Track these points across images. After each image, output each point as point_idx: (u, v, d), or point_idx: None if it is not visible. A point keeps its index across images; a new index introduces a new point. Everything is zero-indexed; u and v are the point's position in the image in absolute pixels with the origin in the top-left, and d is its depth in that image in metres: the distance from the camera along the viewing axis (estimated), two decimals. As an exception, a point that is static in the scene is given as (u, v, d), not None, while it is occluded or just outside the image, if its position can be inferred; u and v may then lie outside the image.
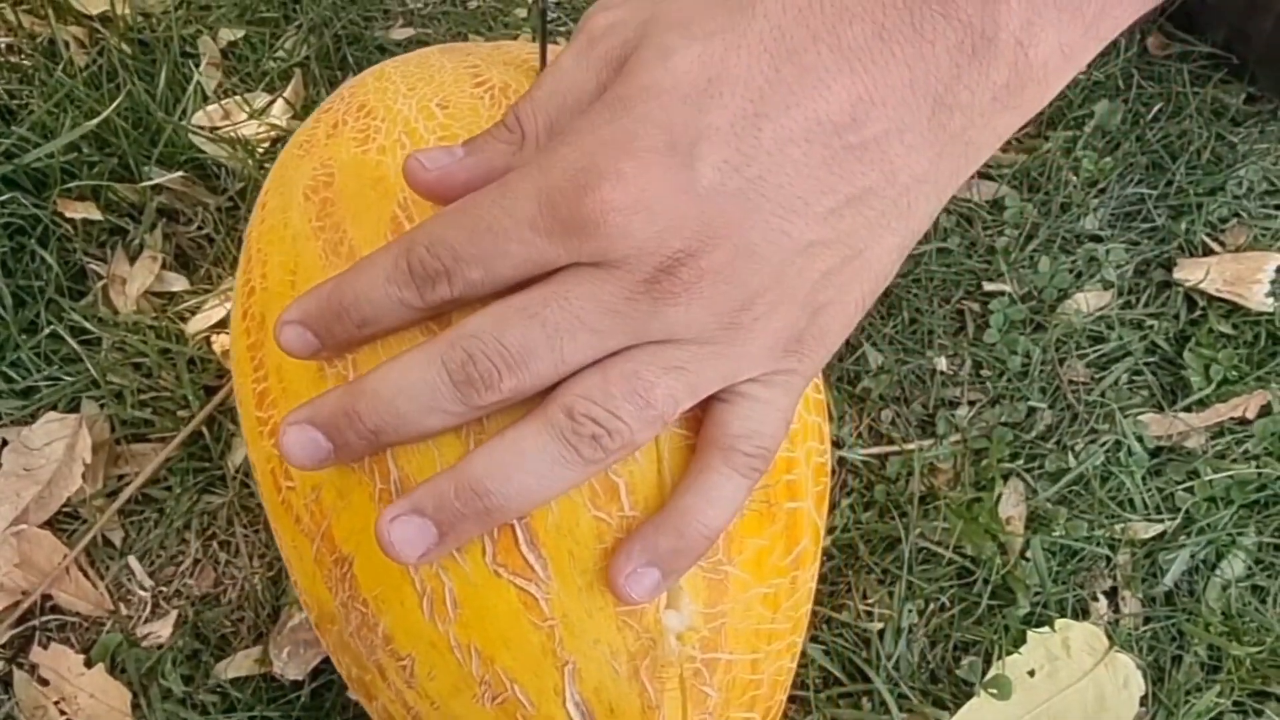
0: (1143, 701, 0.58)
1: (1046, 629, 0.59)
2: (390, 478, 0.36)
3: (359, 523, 0.37)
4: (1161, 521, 0.63)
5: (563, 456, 0.33)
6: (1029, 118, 0.33)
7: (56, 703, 0.55)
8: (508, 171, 0.34)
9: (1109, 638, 0.59)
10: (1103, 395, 0.67)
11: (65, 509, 0.60)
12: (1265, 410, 0.67)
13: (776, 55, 0.31)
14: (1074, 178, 0.74)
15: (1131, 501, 0.64)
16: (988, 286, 0.70)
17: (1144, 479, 0.64)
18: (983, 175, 0.74)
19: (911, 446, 0.64)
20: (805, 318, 0.34)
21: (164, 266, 0.67)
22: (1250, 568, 0.63)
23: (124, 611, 0.58)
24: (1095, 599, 0.61)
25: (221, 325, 0.65)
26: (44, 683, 0.55)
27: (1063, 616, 0.60)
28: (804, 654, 0.57)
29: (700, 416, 0.36)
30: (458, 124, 0.40)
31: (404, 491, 0.36)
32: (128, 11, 0.74)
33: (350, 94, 0.44)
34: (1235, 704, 0.59)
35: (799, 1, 0.31)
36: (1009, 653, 0.58)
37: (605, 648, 0.36)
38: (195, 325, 0.65)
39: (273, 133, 0.71)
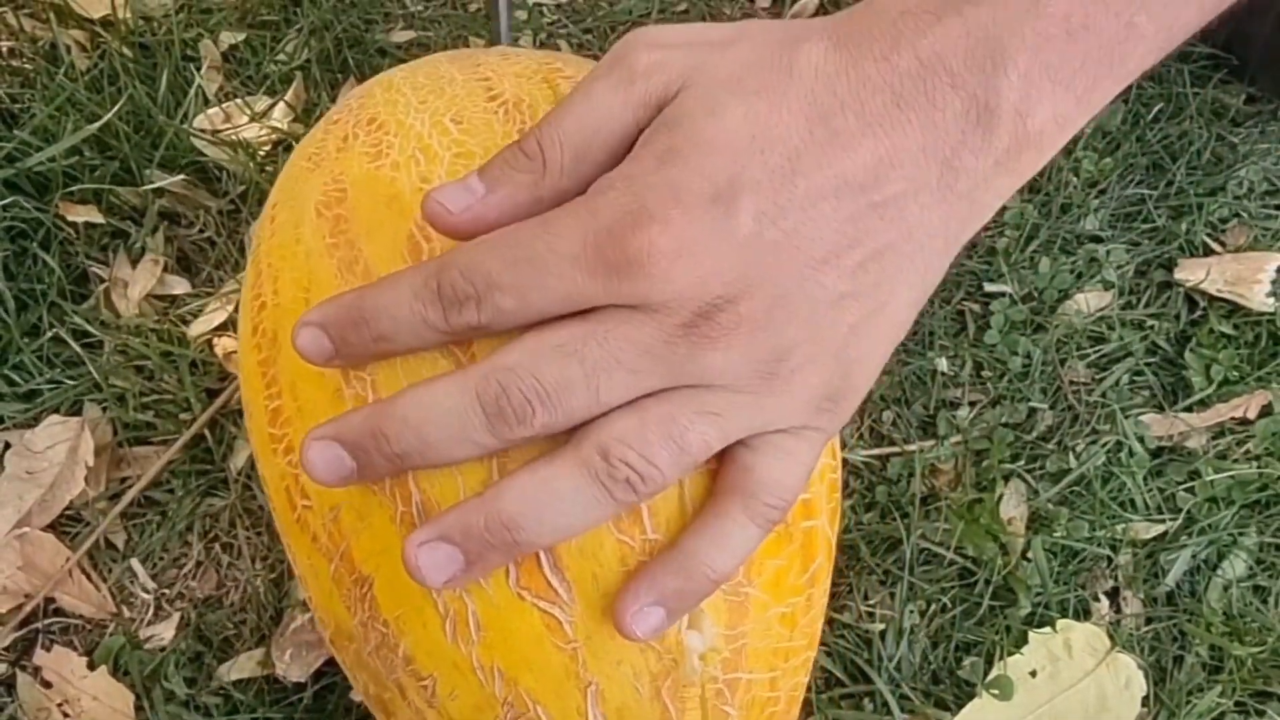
0: (1144, 702, 0.58)
1: (1048, 629, 0.59)
2: (412, 501, 0.36)
3: (379, 544, 0.37)
4: (1163, 522, 0.63)
5: (596, 498, 0.33)
6: (1026, 179, 0.35)
7: (60, 705, 0.55)
8: (534, 205, 0.35)
9: (1110, 638, 0.59)
10: (1104, 396, 0.67)
11: (68, 512, 0.60)
12: (1266, 410, 0.67)
13: (810, 117, 0.33)
14: (1074, 178, 0.75)
15: (1133, 502, 0.64)
16: (988, 287, 0.70)
17: (1145, 479, 0.64)
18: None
19: (913, 447, 0.64)
20: (839, 375, 0.35)
21: (166, 269, 0.67)
22: (1251, 568, 0.63)
23: (127, 614, 0.58)
24: (1097, 599, 0.61)
25: (223, 328, 0.65)
26: (47, 685, 0.56)
27: (1064, 617, 0.60)
28: (806, 655, 0.57)
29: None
30: (473, 140, 0.40)
31: (425, 515, 0.36)
32: (129, 15, 0.74)
33: (359, 105, 0.44)
34: (1237, 704, 0.59)
35: (828, 69, 0.33)
36: (1010, 653, 0.58)
37: (628, 669, 0.36)
38: (197, 328, 0.65)
39: (274, 135, 0.71)
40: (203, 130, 0.71)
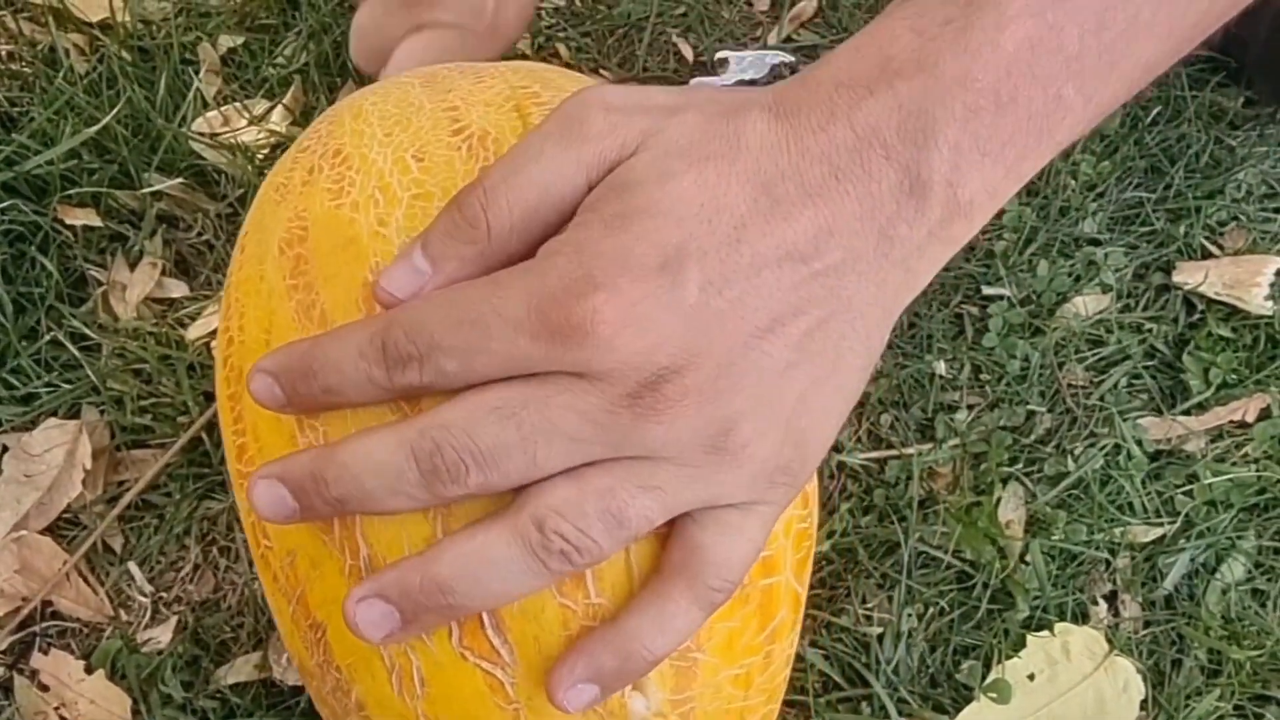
0: (1143, 705, 0.58)
1: (1046, 633, 0.59)
2: (360, 555, 0.36)
3: (330, 594, 0.37)
4: (1161, 525, 0.63)
5: (530, 568, 0.33)
6: (959, 248, 0.36)
7: (57, 708, 0.55)
8: (484, 274, 0.34)
9: (1109, 642, 0.59)
10: (1102, 399, 0.67)
11: (65, 515, 0.60)
12: (1265, 413, 0.67)
13: (754, 186, 0.33)
14: (1072, 181, 0.75)
15: (1131, 505, 0.64)
16: (986, 290, 0.70)
17: (1143, 482, 0.64)
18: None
19: (910, 451, 0.64)
20: (790, 446, 0.34)
21: (164, 273, 0.67)
22: (1250, 571, 0.63)
23: (124, 617, 0.58)
24: (1095, 603, 0.61)
25: (221, 331, 0.65)
26: (44, 689, 0.56)
27: (1062, 620, 0.60)
28: (803, 659, 0.57)
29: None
30: (432, 179, 0.39)
31: (372, 570, 0.36)
32: (128, 19, 0.75)
33: (328, 133, 0.43)
34: (1235, 708, 0.59)
35: (771, 139, 0.34)
36: (1009, 657, 0.58)
37: None
38: (195, 331, 0.65)
39: (272, 139, 0.72)
40: (201, 133, 0.71)
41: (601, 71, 0.77)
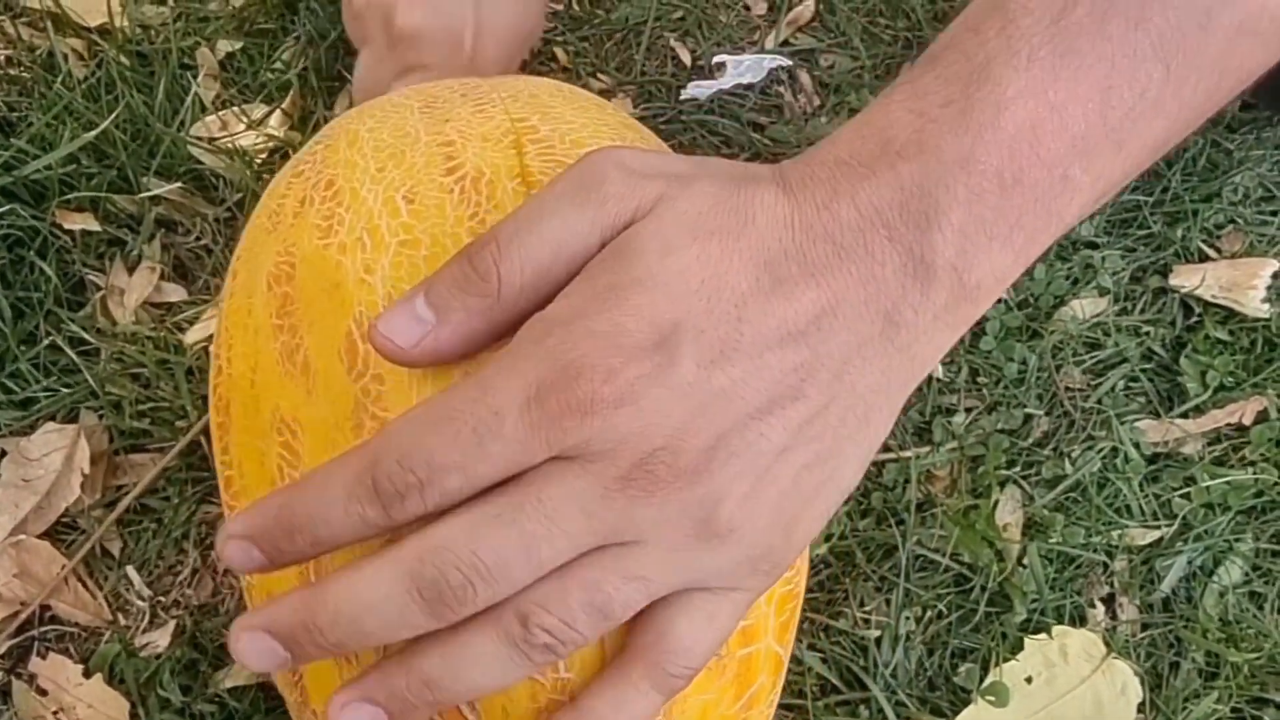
0: (1140, 708, 0.58)
1: (1044, 636, 0.59)
2: None
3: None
4: (1158, 528, 0.63)
5: (514, 660, 0.32)
6: (962, 334, 0.35)
7: (55, 713, 0.55)
8: (489, 332, 0.34)
9: (1106, 644, 0.59)
10: (1099, 402, 0.67)
11: (64, 519, 0.60)
12: (1262, 416, 0.67)
13: (757, 264, 0.33)
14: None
15: (1128, 508, 0.64)
16: (984, 294, 0.70)
17: (1141, 485, 0.64)
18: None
19: (908, 453, 0.64)
20: (778, 534, 0.34)
21: (162, 277, 0.67)
22: (1247, 574, 0.63)
23: (122, 621, 0.58)
24: (1093, 605, 0.61)
25: (219, 335, 0.65)
26: (43, 693, 0.56)
27: (1060, 623, 0.60)
28: (801, 662, 0.57)
29: None
30: (421, 225, 0.38)
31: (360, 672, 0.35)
32: (126, 24, 0.75)
33: (322, 159, 0.42)
34: (1233, 710, 0.59)
35: (779, 214, 0.33)
36: (1006, 660, 0.58)
37: None
38: (193, 335, 0.65)
39: (271, 143, 0.72)
40: (200, 138, 0.71)
41: (600, 75, 0.77)
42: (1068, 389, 0.67)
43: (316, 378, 0.37)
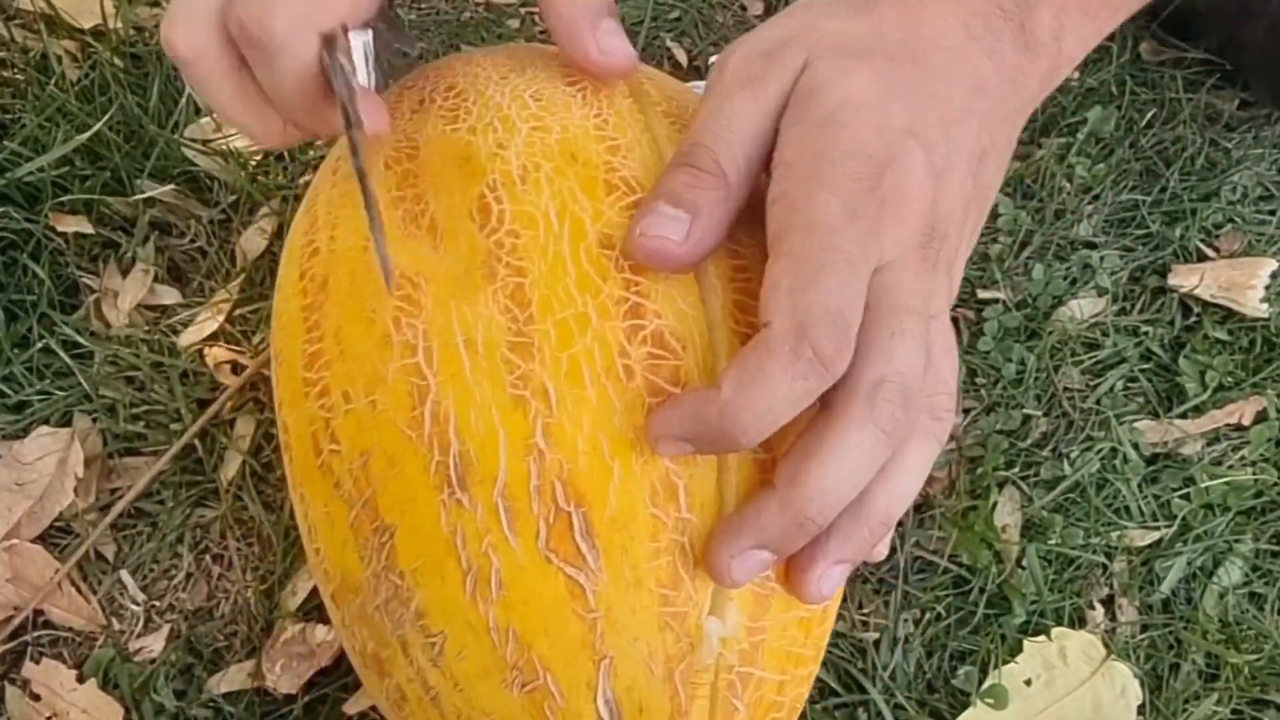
0: (1140, 710, 0.58)
1: (1043, 638, 0.59)
2: (450, 451, 0.36)
3: (407, 493, 0.37)
4: (1158, 529, 0.63)
5: (881, 448, 0.35)
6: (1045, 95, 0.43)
7: (49, 718, 0.55)
8: (729, 221, 0.38)
9: (1106, 646, 0.59)
10: (1098, 402, 0.67)
11: (57, 523, 0.59)
12: (1261, 416, 0.67)
13: (905, 59, 0.38)
14: (1068, 184, 0.74)
15: (1128, 509, 0.64)
16: (982, 294, 0.70)
17: (1140, 486, 0.64)
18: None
19: (906, 455, 0.64)
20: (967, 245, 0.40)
21: (156, 279, 0.67)
22: (1247, 575, 0.62)
23: (116, 626, 0.58)
24: (1092, 607, 0.61)
25: (214, 338, 0.64)
26: (36, 698, 0.55)
27: (1059, 625, 0.60)
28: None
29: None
30: (551, 116, 0.41)
31: (462, 467, 0.36)
32: (120, 25, 0.74)
33: (436, 74, 0.44)
34: (1233, 712, 0.58)
35: (906, 18, 0.39)
36: (1005, 662, 0.58)
37: (644, 646, 0.36)
38: (187, 338, 0.64)
39: (265, 145, 0.71)
40: (194, 140, 0.71)
41: (595, 76, 0.77)
42: (1066, 389, 0.67)
43: (444, 235, 0.39)
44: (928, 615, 0.59)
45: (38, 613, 0.57)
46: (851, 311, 0.34)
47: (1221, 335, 0.69)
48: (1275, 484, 0.65)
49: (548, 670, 0.36)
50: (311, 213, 0.44)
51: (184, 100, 0.72)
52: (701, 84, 0.76)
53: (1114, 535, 0.62)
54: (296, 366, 0.41)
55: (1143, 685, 0.58)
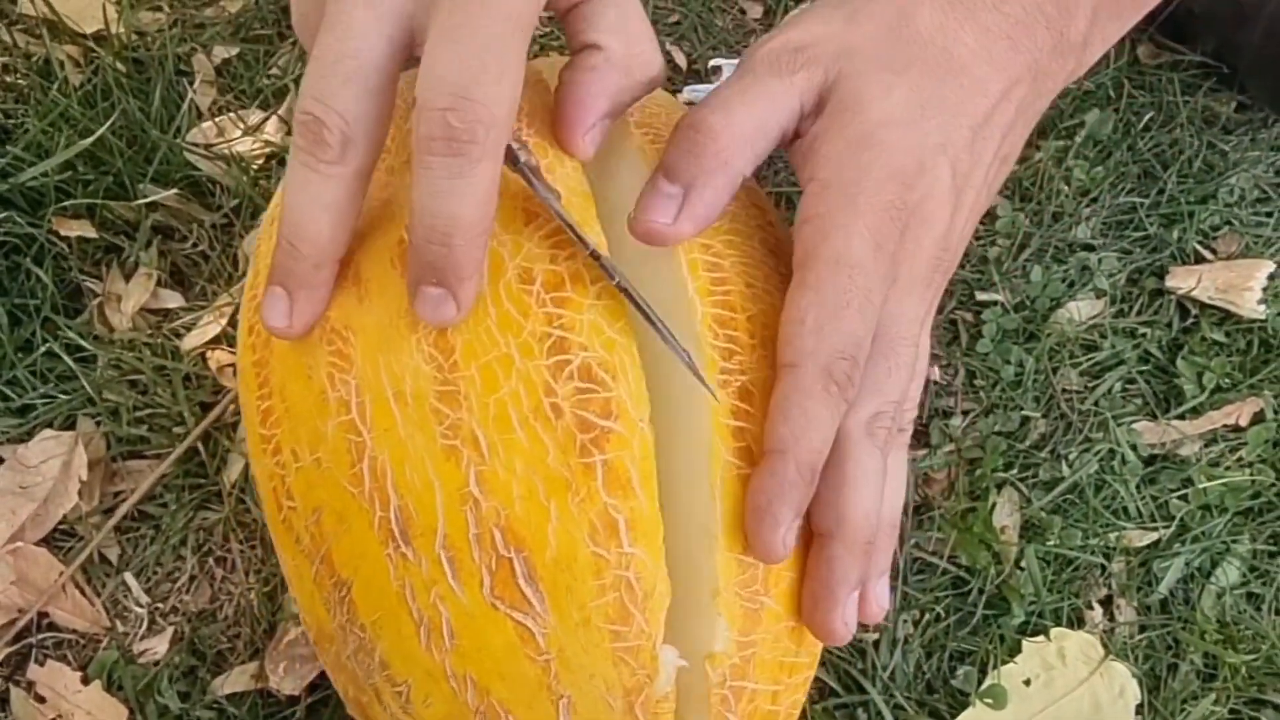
0: (1138, 710, 0.58)
1: (1042, 638, 0.59)
2: (391, 506, 0.37)
3: (358, 549, 0.37)
4: (1156, 530, 0.63)
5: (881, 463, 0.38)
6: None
7: (54, 719, 0.55)
8: (729, 197, 0.39)
9: (1104, 646, 0.59)
10: (1096, 404, 0.67)
11: (61, 526, 0.60)
12: (1258, 417, 0.67)
13: (948, 71, 0.39)
14: (1066, 187, 0.75)
15: (1126, 510, 0.64)
16: (980, 296, 0.70)
17: (1138, 487, 0.64)
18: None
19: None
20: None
21: (159, 284, 0.67)
22: (1245, 575, 0.63)
23: (120, 628, 0.58)
24: (1090, 608, 0.61)
25: (217, 342, 0.65)
26: (41, 700, 0.56)
27: (1058, 625, 0.60)
28: (799, 665, 0.57)
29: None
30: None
31: (403, 522, 0.36)
32: (122, 30, 0.75)
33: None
34: (1231, 712, 0.59)
35: (951, 26, 0.39)
36: (1004, 662, 0.58)
37: (600, 683, 0.36)
38: (190, 341, 0.65)
39: (267, 149, 0.72)
40: (196, 144, 0.71)
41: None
42: (1065, 391, 0.67)
43: (368, 285, 0.39)
44: (927, 616, 0.60)
45: (42, 615, 0.58)
46: (865, 346, 0.37)
47: (1219, 337, 0.69)
48: (1272, 485, 0.65)
49: (509, 712, 0.36)
50: (256, 267, 0.44)
51: (186, 105, 0.72)
52: (698, 88, 0.77)
53: (1112, 536, 0.63)
54: (255, 423, 0.41)
55: (1141, 685, 0.58)
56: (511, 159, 0.37)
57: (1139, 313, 0.71)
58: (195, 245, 0.69)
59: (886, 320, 0.38)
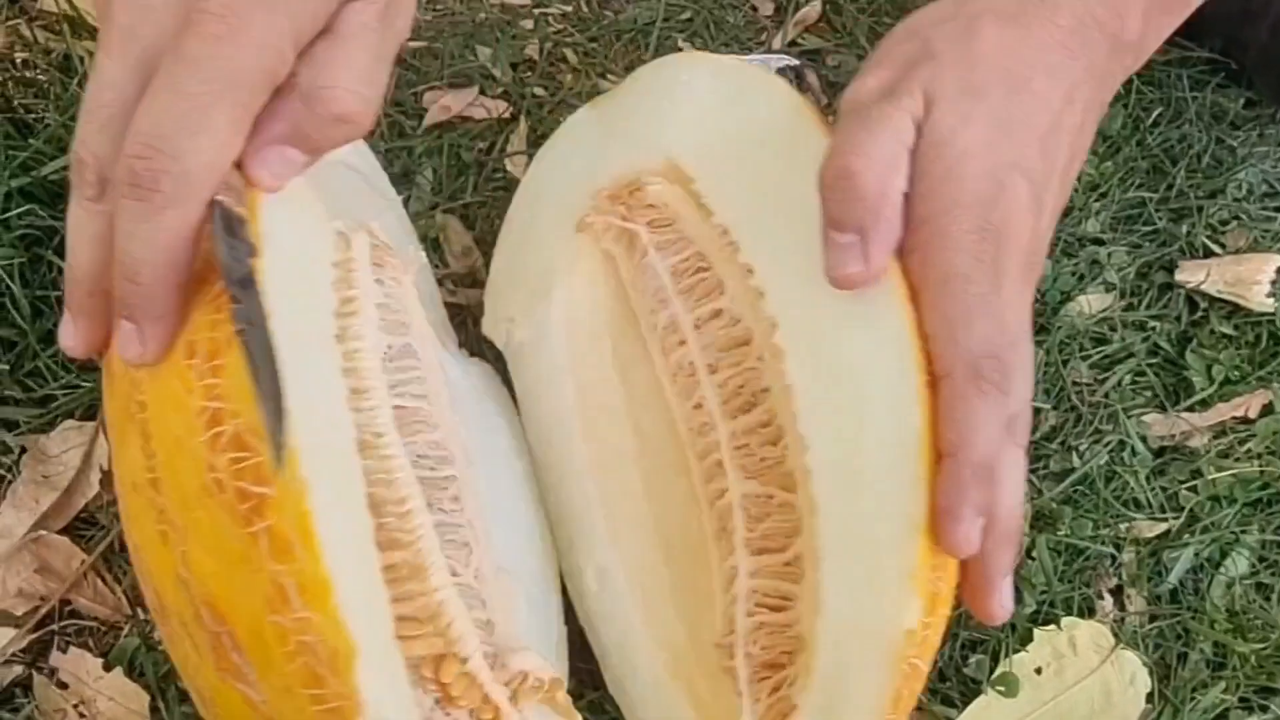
0: (1149, 698, 0.58)
1: (1053, 627, 0.60)
2: (150, 588, 0.40)
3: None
4: (1166, 520, 0.64)
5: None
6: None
7: (76, 706, 0.55)
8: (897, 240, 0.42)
9: (1115, 635, 0.60)
10: (1106, 396, 0.67)
11: (83, 515, 0.60)
12: (1267, 409, 0.68)
13: (1012, 92, 0.42)
14: (1076, 182, 0.75)
15: (1136, 501, 0.64)
16: (991, 290, 0.70)
17: (1148, 478, 0.65)
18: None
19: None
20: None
21: (178, 276, 0.68)
22: (1254, 565, 0.63)
23: (141, 615, 0.58)
24: (1101, 597, 0.62)
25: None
26: (64, 686, 0.56)
27: (1069, 615, 0.60)
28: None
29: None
30: None
31: (159, 603, 0.40)
32: (140, 26, 0.75)
33: None
34: (1240, 700, 0.59)
35: (1009, 42, 0.43)
36: (1016, 651, 0.59)
37: None
38: (209, 333, 0.65)
39: (284, 144, 0.72)
40: (214, 139, 0.72)
41: (608, 76, 0.78)
42: (1075, 384, 0.68)
43: (110, 372, 0.41)
44: (939, 605, 0.60)
45: (64, 602, 0.58)
46: (1004, 343, 0.40)
47: (1228, 330, 0.70)
48: (1281, 476, 0.65)
49: None
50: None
51: (204, 100, 0.73)
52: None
53: (1122, 527, 0.63)
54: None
55: (1151, 674, 0.59)
56: (216, 212, 0.37)
57: (1148, 306, 0.71)
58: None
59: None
